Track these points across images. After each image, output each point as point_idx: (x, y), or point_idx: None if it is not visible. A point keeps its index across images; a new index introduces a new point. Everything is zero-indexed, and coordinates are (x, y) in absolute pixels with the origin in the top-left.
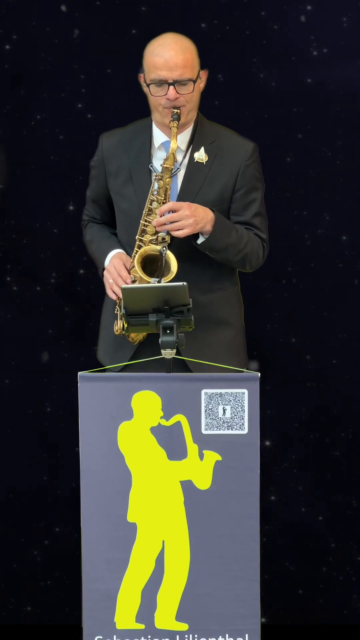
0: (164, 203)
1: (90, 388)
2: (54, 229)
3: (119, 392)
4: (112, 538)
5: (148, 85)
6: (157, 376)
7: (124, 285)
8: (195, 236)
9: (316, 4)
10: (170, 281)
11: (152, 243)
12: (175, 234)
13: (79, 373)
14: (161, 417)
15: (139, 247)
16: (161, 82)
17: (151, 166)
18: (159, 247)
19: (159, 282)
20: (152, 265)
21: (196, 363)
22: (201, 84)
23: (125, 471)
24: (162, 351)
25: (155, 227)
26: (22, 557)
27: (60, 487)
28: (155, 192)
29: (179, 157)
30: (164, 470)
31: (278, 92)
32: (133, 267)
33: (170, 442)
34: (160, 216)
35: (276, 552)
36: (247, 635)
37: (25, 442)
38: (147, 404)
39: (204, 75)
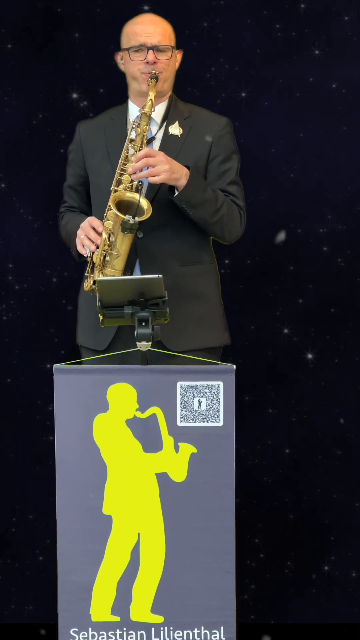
0: (140, 150)
1: (66, 380)
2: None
3: (94, 384)
4: (88, 530)
5: (128, 51)
6: (132, 368)
7: (100, 278)
8: (172, 192)
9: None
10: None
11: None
12: (151, 180)
13: (54, 365)
14: (136, 410)
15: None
16: (140, 47)
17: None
18: (133, 193)
19: (133, 218)
20: (126, 212)
21: (171, 339)
22: (177, 63)
23: (100, 463)
24: (138, 343)
25: (130, 174)
26: (23, 556)
27: None
28: (132, 142)
29: (154, 129)
30: (140, 463)
31: (279, 91)
32: (109, 209)
33: (146, 435)
34: (136, 162)
35: (277, 551)
36: (222, 627)
37: (27, 441)
38: (122, 396)
39: (179, 54)
